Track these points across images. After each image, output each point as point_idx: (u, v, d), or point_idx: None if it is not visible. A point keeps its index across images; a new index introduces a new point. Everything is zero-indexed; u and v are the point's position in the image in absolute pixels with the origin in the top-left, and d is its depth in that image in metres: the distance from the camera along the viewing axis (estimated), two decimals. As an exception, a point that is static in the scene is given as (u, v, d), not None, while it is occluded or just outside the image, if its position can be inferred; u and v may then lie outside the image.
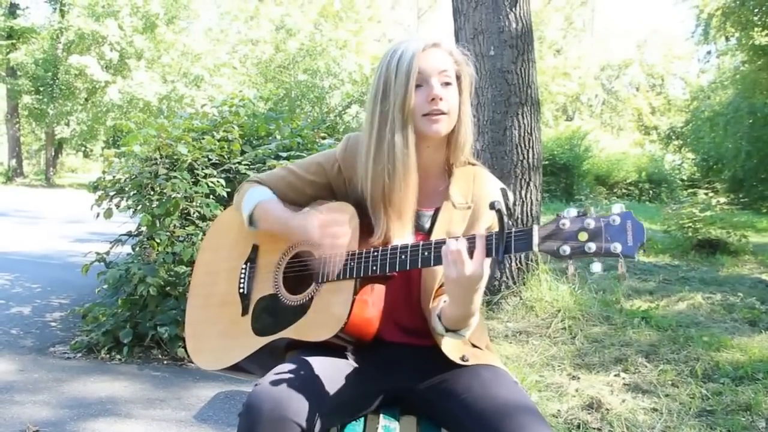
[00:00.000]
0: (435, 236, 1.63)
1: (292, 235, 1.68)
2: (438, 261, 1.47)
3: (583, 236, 1.30)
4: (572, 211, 1.33)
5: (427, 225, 1.68)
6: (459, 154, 1.70)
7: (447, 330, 1.54)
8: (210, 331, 1.79)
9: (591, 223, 1.30)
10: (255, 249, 1.79)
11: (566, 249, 1.31)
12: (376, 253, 1.55)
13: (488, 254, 1.39)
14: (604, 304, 5.06)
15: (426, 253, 1.49)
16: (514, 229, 1.37)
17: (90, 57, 24.85)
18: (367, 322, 1.58)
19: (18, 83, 25.65)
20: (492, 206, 1.35)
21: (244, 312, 1.73)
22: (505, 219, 1.35)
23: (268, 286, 1.71)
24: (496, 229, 1.37)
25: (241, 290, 1.75)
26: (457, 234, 1.62)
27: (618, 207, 1.30)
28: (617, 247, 1.27)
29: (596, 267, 1.30)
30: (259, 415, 1.37)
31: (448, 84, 1.62)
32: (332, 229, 1.58)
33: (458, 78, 1.66)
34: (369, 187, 1.65)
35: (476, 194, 1.68)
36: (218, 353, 1.74)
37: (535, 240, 1.34)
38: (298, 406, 1.39)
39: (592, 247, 1.29)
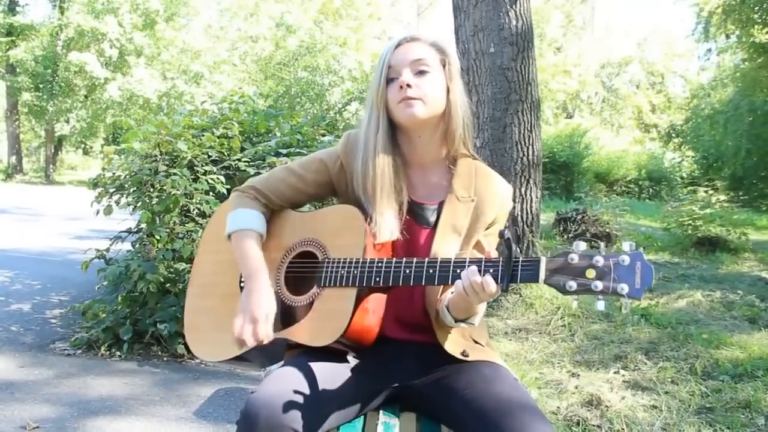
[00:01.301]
0: (441, 230, 1.65)
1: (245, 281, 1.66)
2: (443, 280, 1.48)
3: (591, 273, 1.30)
4: (582, 246, 1.33)
5: (432, 219, 1.69)
6: (455, 142, 1.71)
7: (456, 320, 1.55)
8: (209, 322, 1.78)
9: (600, 260, 1.30)
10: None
11: (572, 285, 1.31)
12: (380, 264, 1.54)
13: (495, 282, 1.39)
14: (603, 302, 5.05)
15: (431, 271, 1.49)
16: (521, 259, 1.37)
17: (89, 54, 24.80)
18: (367, 329, 1.58)
19: (17, 80, 25.60)
20: (501, 235, 1.36)
21: None
22: (514, 248, 1.36)
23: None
24: (500, 252, 1.37)
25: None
26: (463, 227, 1.65)
27: (628, 245, 1.29)
28: (624, 288, 1.26)
29: (600, 305, 1.30)
30: (256, 423, 1.37)
31: (423, 72, 1.64)
32: (258, 327, 1.56)
33: (444, 66, 1.68)
34: (360, 180, 1.68)
35: (479, 187, 1.70)
36: (216, 346, 1.74)
37: (542, 274, 1.35)
38: (295, 413, 1.39)
39: (598, 285, 1.28)
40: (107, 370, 3.71)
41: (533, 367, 3.74)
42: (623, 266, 1.27)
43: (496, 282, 1.38)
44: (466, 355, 1.61)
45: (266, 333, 1.56)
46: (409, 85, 1.62)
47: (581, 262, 1.31)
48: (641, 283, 1.26)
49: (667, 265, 7.54)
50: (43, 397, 3.25)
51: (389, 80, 1.65)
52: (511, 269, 1.37)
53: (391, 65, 1.65)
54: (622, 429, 2.94)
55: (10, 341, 4.14)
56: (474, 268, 1.40)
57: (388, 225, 1.61)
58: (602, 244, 1.32)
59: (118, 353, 3.95)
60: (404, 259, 1.54)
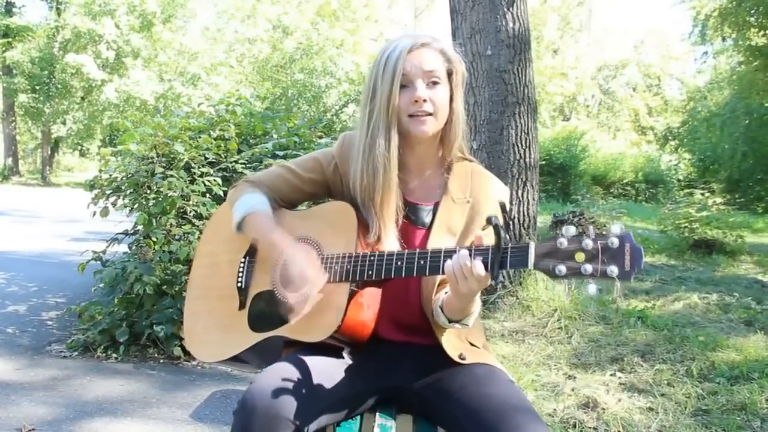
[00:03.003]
0: (435, 231, 1.65)
1: (276, 255, 1.66)
2: (434, 270, 1.48)
3: (580, 257, 1.29)
4: (571, 230, 1.32)
5: (428, 219, 1.69)
6: (451, 150, 1.72)
7: (450, 321, 1.55)
8: (207, 323, 1.79)
9: (589, 243, 1.29)
10: (254, 243, 1.79)
11: (562, 269, 1.30)
12: (372, 258, 1.55)
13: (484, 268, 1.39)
14: (600, 304, 5.06)
15: (422, 262, 1.49)
16: (510, 245, 1.36)
17: (86, 55, 24.82)
18: (362, 324, 1.58)
19: (14, 82, 25.61)
20: (489, 221, 1.34)
21: (241, 306, 1.73)
22: (502, 234, 1.35)
23: (266, 281, 1.71)
24: (493, 242, 1.37)
25: (239, 284, 1.75)
26: (458, 227, 1.66)
27: (617, 227, 1.28)
28: (614, 270, 1.26)
29: (592, 289, 1.29)
30: (254, 413, 1.38)
31: (435, 83, 1.62)
32: (311, 277, 1.56)
33: (450, 75, 1.66)
34: (357, 186, 1.67)
35: (474, 189, 1.70)
36: (214, 346, 1.75)
37: (531, 259, 1.33)
38: (292, 404, 1.40)
39: (588, 268, 1.27)
40: (103, 373, 3.70)
41: (530, 370, 3.74)
42: (612, 248, 1.27)
43: (486, 268, 1.38)
44: (463, 358, 1.61)
45: (318, 277, 1.56)
46: (425, 100, 1.60)
47: (570, 245, 1.31)
48: (631, 265, 1.26)
49: (663, 268, 7.56)
50: (39, 399, 3.24)
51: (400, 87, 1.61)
52: (501, 255, 1.36)
53: (404, 73, 1.60)
54: (619, 431, 2.94)
55: (6, 343, 4.13)
56: (465, 252, 1.40)
57: (392, 244, 1.62)
58: (591, 227, 1.32)
59: (114, 355, 3.95)
60: (396, 251, 1.54)
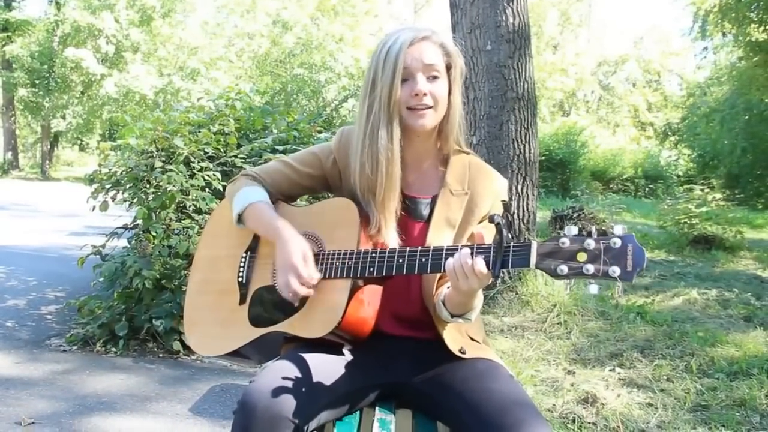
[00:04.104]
0: (434, 224, 1.65)
1: (275, 245, 1.65)
2: (435, 269, 1.48)
3: (582, 257, 1.29)
4: (573, 230, 1.31)
5: (426, 212, 1.69)
6: (448, 142, 1.71)
7: (453, 315, 1.55)
8: (208, 317, 1.79)
9: (591, 243, 1.28)
10: (256, 238, 1.78)
11: (564, 269, 1.29)
12: (374, 255, 1.54)
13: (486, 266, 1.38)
14: (599, 300, 5.07)
15: (424, 260, 1.49)
16: (512, 244, 1.36)
17: (86, 50, 24.79)
18: (362, 321, 1.58)
19: (14, 76, 25.56)
20: (492, 220, 1.34)
21: (242, 301, 1.73)
22: (504, 233, 1.35)
23: (267, 276, 1.70)
24: (495, 240, 1.36)
25: (240, 279, 1.75)
26: (456, 220, 1.65)
27: (620, 228, 1.28)
28: (615, 270, 1.25)
29: (593, 289, 1.29)
30: (254, 413, 1.38)
31: (435, 77, 1.62)
32: (300, 272, 1.56)
33: (448, 69, 1.66)
34: (357, 179, 1.66)
35: (472, 181, 1.69)
36: (214, 340, 1.74)
37: (533, 259, 1.33)
38: (292, 403, 1.40)
39: (590, 269, 1.27)
40: (103, 367, 3.71)
41: (529, 365, 3.75)
42: (614, 249, 1.26)
43: (488, 266, 1.37)
44: (464, 353, 1.61)
45: (309, 274, 1.56)
46: (425, 94, 1.60)
47: (572, 245, 1.30)
48: (633, 266, 1.25)
49: (663, 264, 7.56)
50: (39, 393, 3.25)
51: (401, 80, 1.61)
52: (503, 254, 1.36)
53: (405, 66, 1.60)
54: (618, 427, 2.95)
55: (5, 337, 4.13)
56: (467, 250, 1.40)
57: (392, 236, 1.62)
58: (593, 228, 1.31)
59: (113, 349, 3.95)
60: (397, 248, 1.54)
